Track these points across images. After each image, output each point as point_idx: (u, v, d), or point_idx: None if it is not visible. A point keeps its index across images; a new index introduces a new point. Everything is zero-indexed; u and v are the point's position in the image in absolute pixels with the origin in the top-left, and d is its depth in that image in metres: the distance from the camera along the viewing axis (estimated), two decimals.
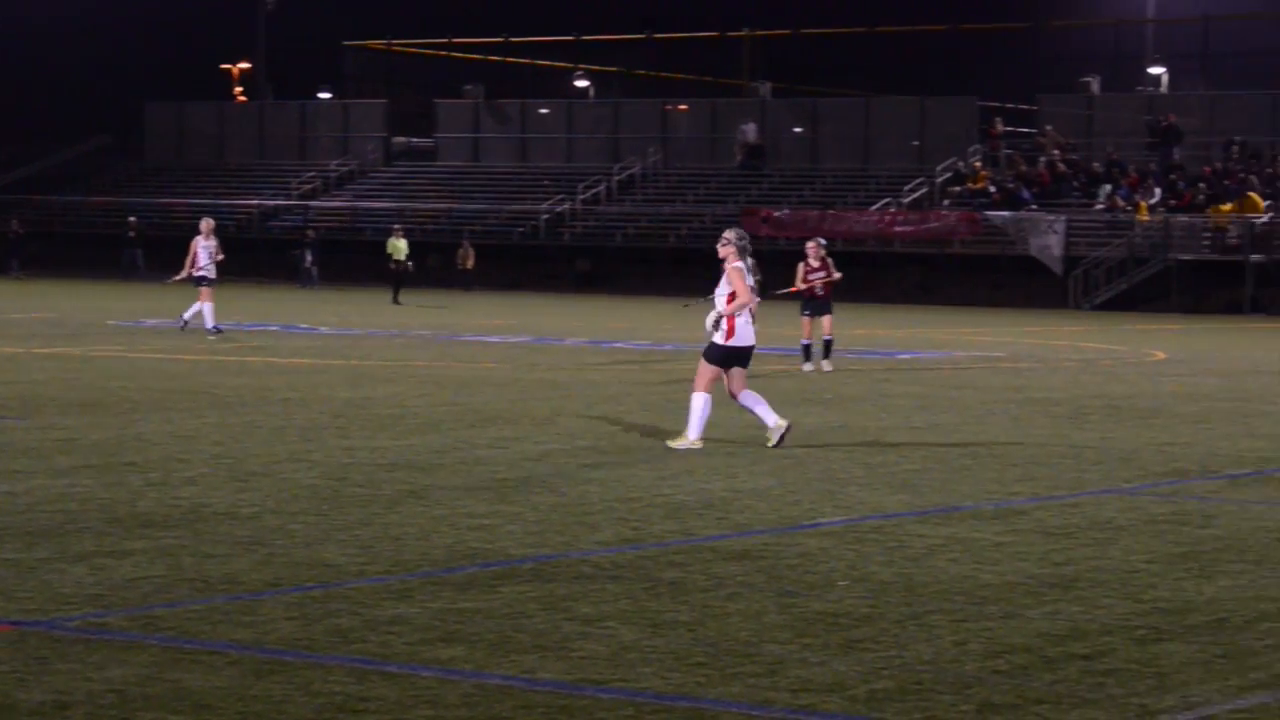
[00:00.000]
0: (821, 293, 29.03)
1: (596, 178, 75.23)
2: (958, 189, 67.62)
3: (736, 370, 18.42)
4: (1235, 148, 64.95)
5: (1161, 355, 36.47)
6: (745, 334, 18.24)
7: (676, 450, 18.25)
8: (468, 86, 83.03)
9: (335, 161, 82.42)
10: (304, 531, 13.08)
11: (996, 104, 73.69)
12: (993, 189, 66.09)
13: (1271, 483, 17.06)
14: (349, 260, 71.53)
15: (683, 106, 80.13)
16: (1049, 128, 69.61)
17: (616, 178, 75.33)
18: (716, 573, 11.89)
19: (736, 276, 17.97)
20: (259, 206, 79.07)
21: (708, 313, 18.45)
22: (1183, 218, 61.95)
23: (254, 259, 70.60)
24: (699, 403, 18.31)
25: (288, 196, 79.71)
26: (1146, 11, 78.53)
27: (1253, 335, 46.67)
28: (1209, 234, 61.62)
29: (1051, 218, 62.76)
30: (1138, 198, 63.50)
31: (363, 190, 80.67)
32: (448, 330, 40.97)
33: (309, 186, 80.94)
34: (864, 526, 13.97)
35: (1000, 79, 77.60)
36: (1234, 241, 60.43)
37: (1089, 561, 12.50)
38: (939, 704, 8.65)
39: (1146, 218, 62.34)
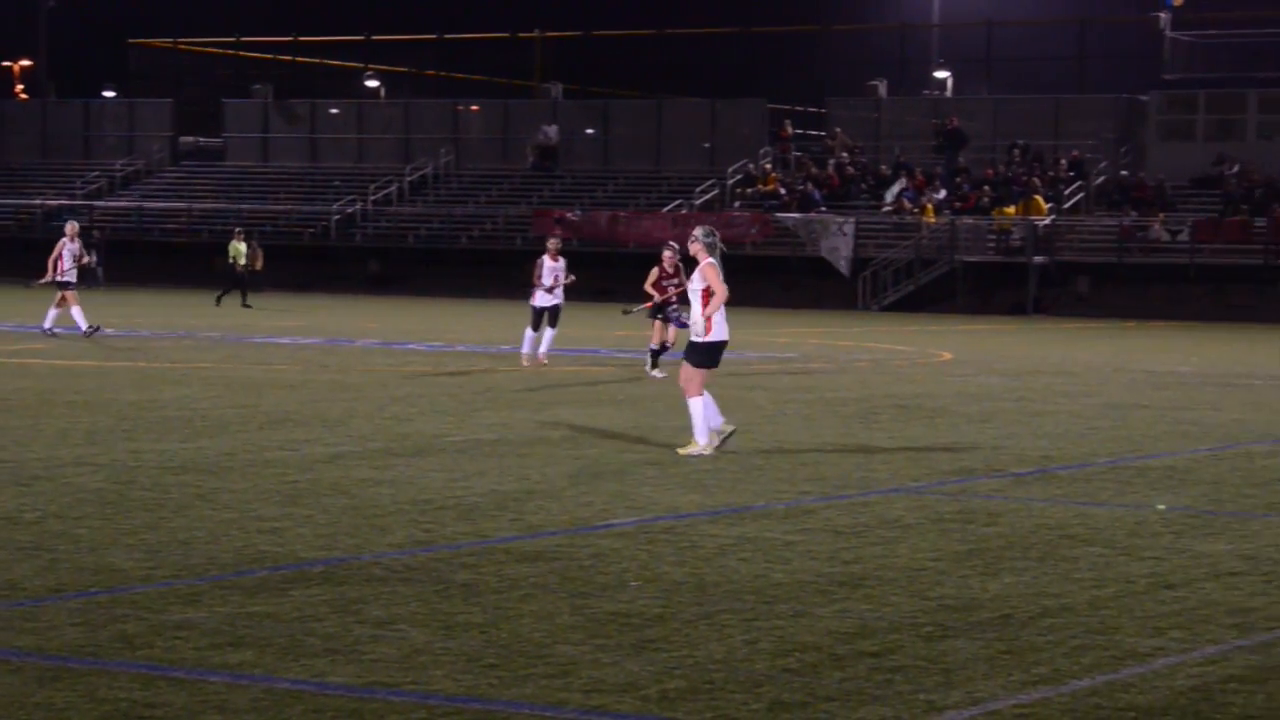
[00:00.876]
0: (674, 300, 28.70)
1: (388, 178, 74.80)
2: (748, 191, 68.23)
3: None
4: (1018, 151, 66.27)
5: (948, 356, 37.08)
6: (721, 330, 18.42)
7: (688, 457, 18.11)
8: (256, 86, 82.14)
9: (121, 161, 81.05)
10: (89, 536, 12.85)
11: (786, 107, 74.46)
12: (783, 191, 66.79)
13: (1054, 481, 17.41)
14: (136, 261, 70.41)
15: (475, 107, 79.96)
16: (838, 130, 70.49)
17: (408, 178, 74.96)
18: (509, 574, 11.87)
19: (712, 274, 18.12)
20: (42, 207, 77.48)
21: (638, 313, 18.74)
22: (968, 220, 63.05)
23: (38, 260, 69.07)
24: (697, 408, 18.37)
25: (72, 196, 78.19)
26: (931, 16, 79.83)
27: (1036, 335, 47.65)
28: (994, 236, 62.79)
29: (841, 219, 63.53)
30: (924, 200, 64.53)
31: (149, 190, 79.43)
32: (237, 331, 40.47)
33: (94, 186, 79.51)
34: (656, 527, 14.02)
35: (790, 82, 78.45)
36: (1017, 243, 61.63)
37: (877, 560, 12.67)
38: (730, 703, 8.72)
39: (933, 220, 63.37)
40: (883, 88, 72.68)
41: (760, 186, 67.93)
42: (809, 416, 23.13)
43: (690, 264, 19.79)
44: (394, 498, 15.12)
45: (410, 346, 36.31)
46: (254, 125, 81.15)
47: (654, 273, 28.86)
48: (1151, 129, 67.14)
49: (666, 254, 28.74)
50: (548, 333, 29.98)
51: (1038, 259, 60.37)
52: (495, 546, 12.98)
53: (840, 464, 18.22)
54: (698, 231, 18.62)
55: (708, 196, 68.58)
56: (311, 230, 72.33)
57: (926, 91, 74.98)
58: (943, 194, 64.91)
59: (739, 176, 69.33)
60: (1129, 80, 70.07)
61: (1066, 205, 63.70)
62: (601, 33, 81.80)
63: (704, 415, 18.40)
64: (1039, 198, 62.50)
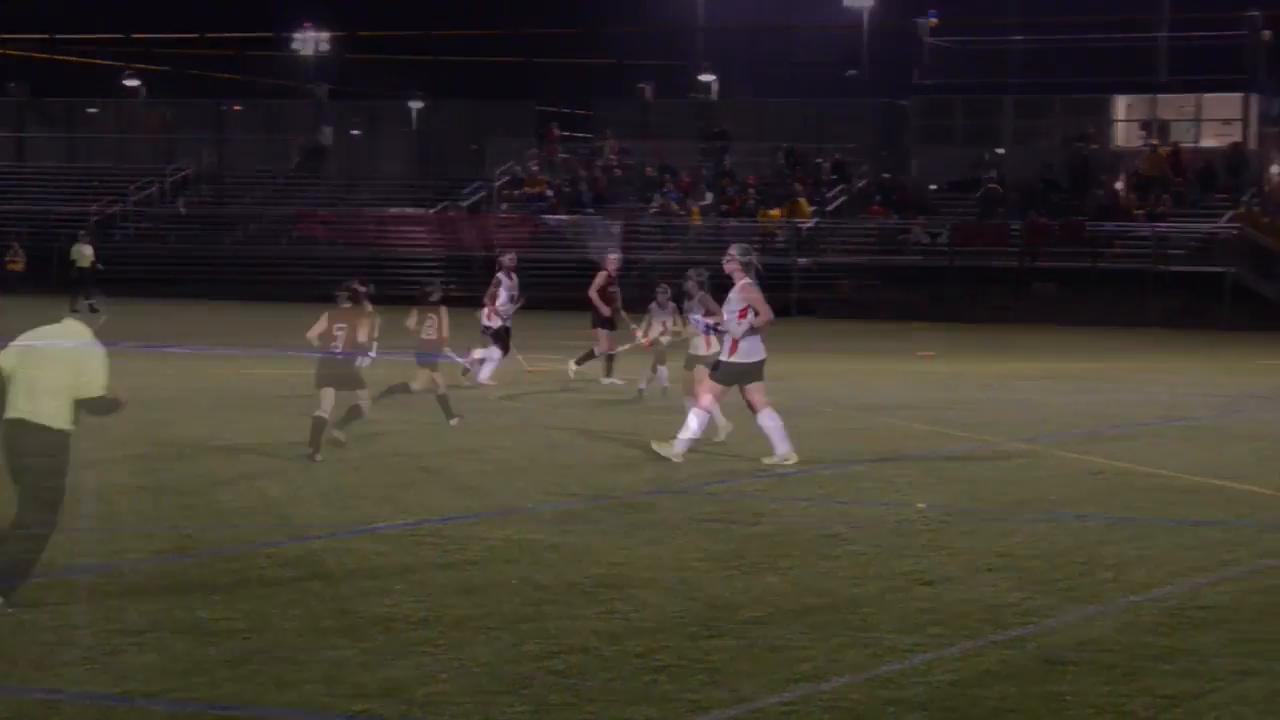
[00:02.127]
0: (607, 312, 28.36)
1: (149, 179, 73.50)
2: (516, 193, 68.18)
3: (753, 385, 18.37)
4: (783, 154, 67.10)
5: None
6: (755, 350, 18.17)
7: (660, 454, 18.33)
8: (11, 84, 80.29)
9: None
10: None
11: (554, 109, 74.50)
12: (550, 193, 66.86)
13: (815, 481, 17.64)
14: None
15: (237, 107, 78.90)
16: (607, 132, 70.73)
17: (170, 179, 73.72)
18: (271, 578, 11.75)
19: (754, 294, 17.94)
20: None
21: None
22: (733, 222, 63.64)
23: None
24: (696, 419, 18.38)
25: None
26: (696, 19, 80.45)
27: (799, 338, 48.21)
28: (759, 238, 63.47)
29: (608, 222, 63.78)
30: (690, 202, 65.01)
31: None
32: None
33: None
34: (422, 530, 13.97)
35: (558, 84, 78.56)
36: (781, 245, 62.37)
37: (643, 561, 12.75)
38: (496, 704, 8.72)
39: (699, 221, 63.88)
40: (649, 90, 73.08)
41: (527, 188, 67.94)
42: (579, 419, 23.18)
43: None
44: (155, 504, 14.88)
45: (172, 349, 35.70)
46: (9, 124, 79.28)
47: (600, 278, 28.21)
48: (912, 133, 68.38)
49: (611, 257, 28.98)
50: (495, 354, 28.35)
51: (801, 260, 61.12)
52: (258, 551, 12.84)
53: (605, 466, 18.28)
54: (734, 250, 18.38)
55: (475, 198, 68.40)
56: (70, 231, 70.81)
57: (693, 94, 75.57)
58: (709, 199, 65.49)
59: (506, 178, 69.24)
60: (892, 85, 71.31)
61: (830, 208, 64.62)
62: (369, 33, 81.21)
63: (696, 430, 18.35)
64: (803, 201, 63.31)
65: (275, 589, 11.43)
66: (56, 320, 11.34)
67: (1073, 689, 9.07)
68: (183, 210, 66.47)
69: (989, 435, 22.32)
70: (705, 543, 13.58)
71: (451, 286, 59.99)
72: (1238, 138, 66.57)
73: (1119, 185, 63.64)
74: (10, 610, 10.40)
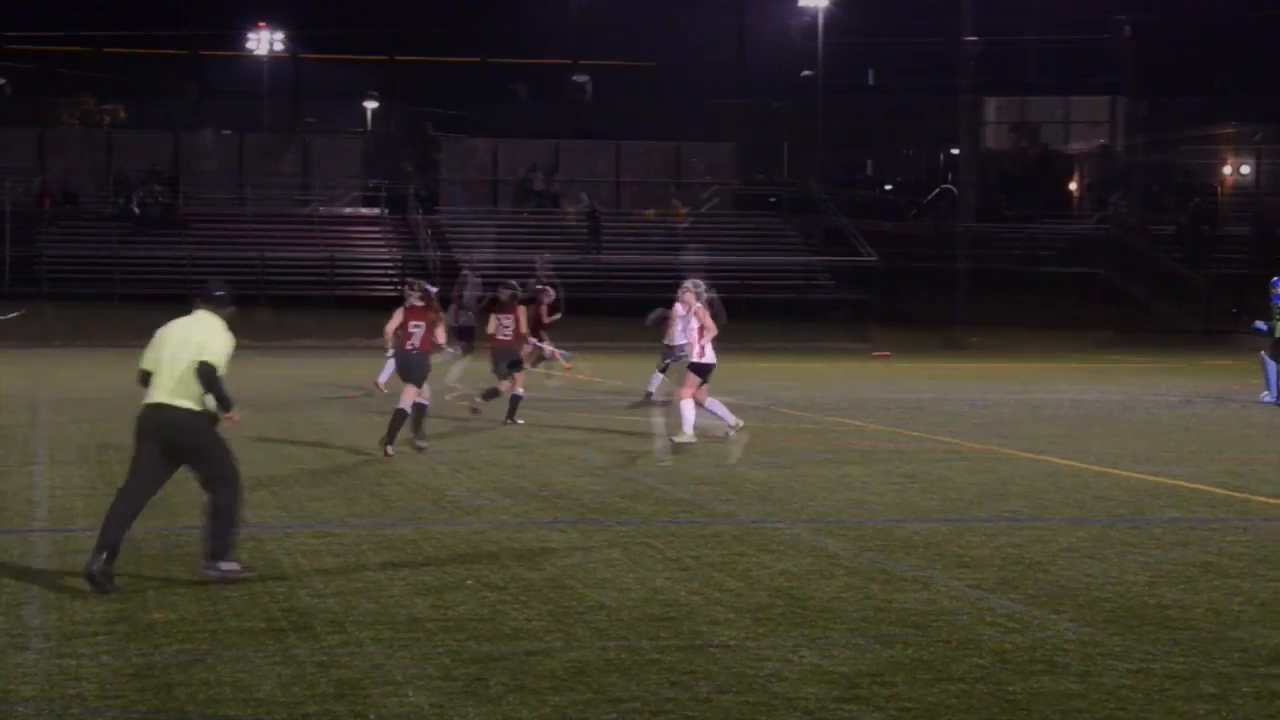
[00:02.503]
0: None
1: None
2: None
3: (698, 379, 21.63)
4: (656, 155, 67.47)
5: None
6: (710, 354, 21.78)
7: (682, 445, 20.62)
8: None
9: None
10: None
11: (438, 110, 74.00)
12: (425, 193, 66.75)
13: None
14: None
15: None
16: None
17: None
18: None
19: (704, 314, 21.70)
20: None
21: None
22: (614, 222, 63.67)
23: None
24: (688, 409, 21.37)
25: None
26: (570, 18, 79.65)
27: (739, 338, 48.24)
28: (634, 237, 63.92)
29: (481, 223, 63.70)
30: (566, 203, 65.08)
31: None
32: None
33: None
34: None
35: (430, 85, 77.74)
36: (660, 244, 62.68)
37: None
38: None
39: (572, 220, 64.28)
40: (523, 90, 72.78)
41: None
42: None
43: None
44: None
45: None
46: None
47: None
48: (787, 134, 69.03)
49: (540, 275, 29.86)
50: (460, 365, 28.65)
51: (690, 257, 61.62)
52: None
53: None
54: (691, 284, 22.20)
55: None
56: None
57: (568, 96, 75.28)
58: (585, 200, 65.64)
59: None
60: (779, 86, 71.01)
61: (703, 209, 65.18)
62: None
63: (691, 415, 21.33)
64: (676, 202, 64.17)
65: (229, 589, 11.38)
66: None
67: (1025, 689, 9.09)
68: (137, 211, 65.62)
69: (944, 435, 22.40)
70: (661, 543, 13.58)
71: (406, 286, 59.78)
72: (1105, 140, 67.08)
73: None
74: (251, 573, 11.79)
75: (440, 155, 67.16)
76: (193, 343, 11.81)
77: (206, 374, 11.70)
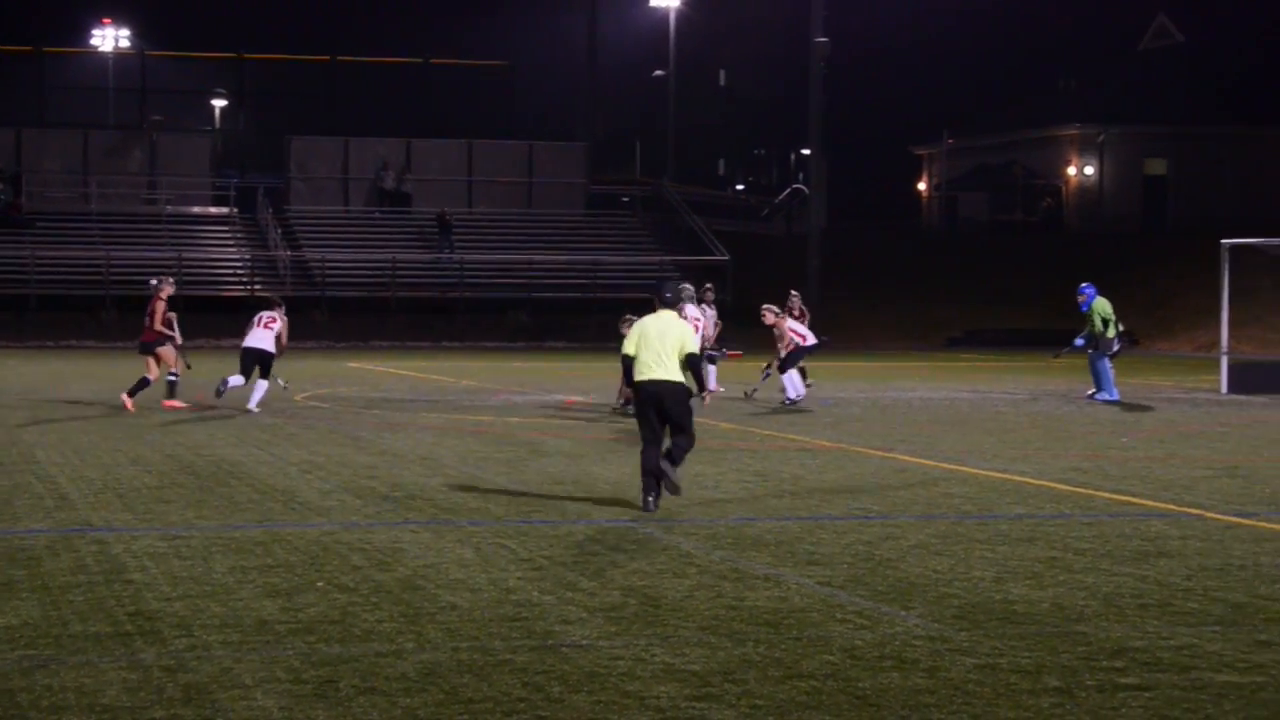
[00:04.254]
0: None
1: None
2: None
3: None
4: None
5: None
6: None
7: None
8: None
9: None
10: None
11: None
12: None
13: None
14: None
15: None
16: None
17: None
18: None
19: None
20: None
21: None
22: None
23: None
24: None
25: None
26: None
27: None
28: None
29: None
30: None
31: None
32: None
33: None
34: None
35: None
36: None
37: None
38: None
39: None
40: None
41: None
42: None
43: None
44: None
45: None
46: None
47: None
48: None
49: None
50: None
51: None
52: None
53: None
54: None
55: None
56: None
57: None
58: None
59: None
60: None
61: None
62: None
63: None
64: None
65: (73, 592, 11.22)
66: None
67: (875, 685, 9.17)
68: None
69: (795, 433, 22.53)
70: (514, 543, 13.55)
71: (257, 288, 59.34)
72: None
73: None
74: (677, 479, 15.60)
75: (290, 154, 66.56)
76: None
77: None
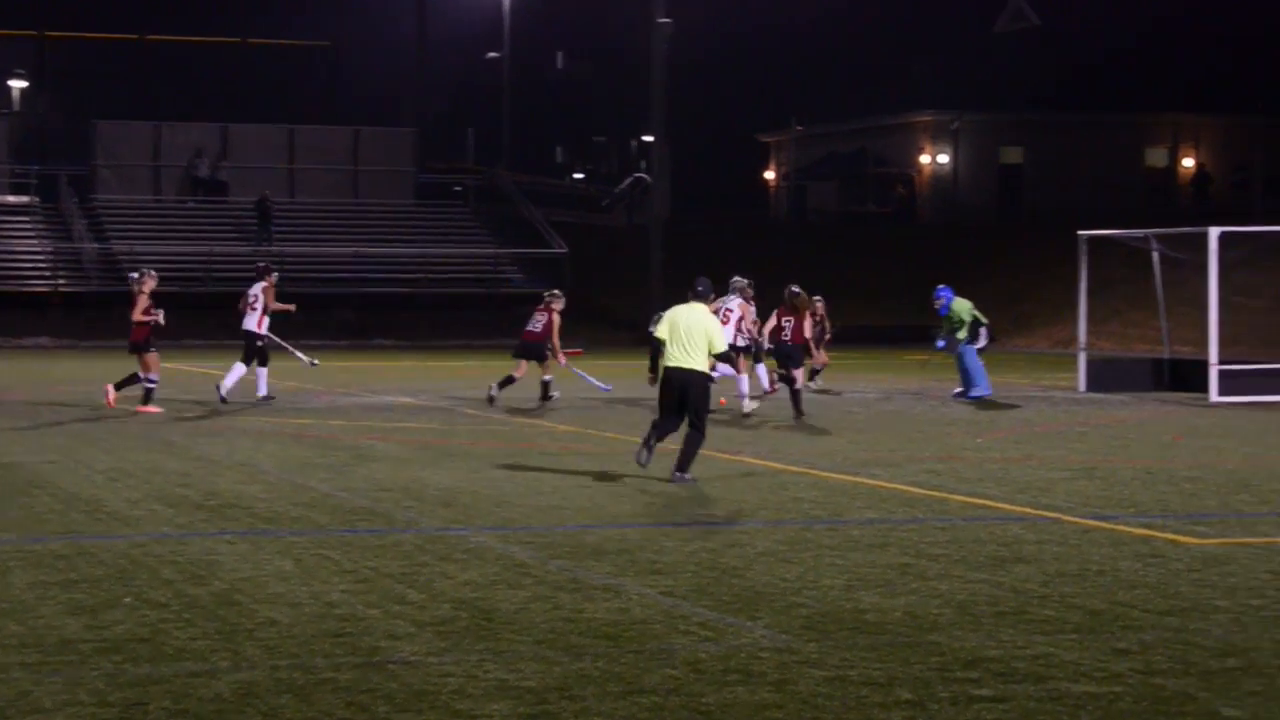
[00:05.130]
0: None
1: None
2: None
3: None
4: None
5: None
6: None
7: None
8: None
9: None
10: None
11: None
12: None
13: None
14: None
15: None
16: None
17: None
18: None
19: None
20: None
21: None
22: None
23: None
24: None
25: None
26: None
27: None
28: None
29: None
30: None
31: None
32: None
33: None
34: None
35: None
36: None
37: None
38: None
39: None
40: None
41: None
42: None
43: None
44: None
45: None
46: None
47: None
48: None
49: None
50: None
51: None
52: None
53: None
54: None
55: None
56: None
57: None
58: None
59: None
60: None
61: None
62: None
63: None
64: None
65: None
66: None
67: (719, 700, 9.21)
68: None
69: (636, 435, 22.57)
70: (337, 554, 13.47)
71: (61, 283, 58.49)
72: (802, 127, 68.39)
73: None
74: (691, 478, 18.11)
75: (97, 139, 65.64)
76: None
77: None
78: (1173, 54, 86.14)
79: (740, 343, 27.74)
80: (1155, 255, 36.03)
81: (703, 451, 18.54)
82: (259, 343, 28.70)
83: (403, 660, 10.01)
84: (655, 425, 18.37)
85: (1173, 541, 14.53)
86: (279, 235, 62.37)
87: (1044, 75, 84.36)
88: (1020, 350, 55.79)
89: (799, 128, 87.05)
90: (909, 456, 21.23)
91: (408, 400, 30.27)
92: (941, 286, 31.39)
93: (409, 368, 42.68)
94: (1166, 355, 36.11)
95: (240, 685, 9.39)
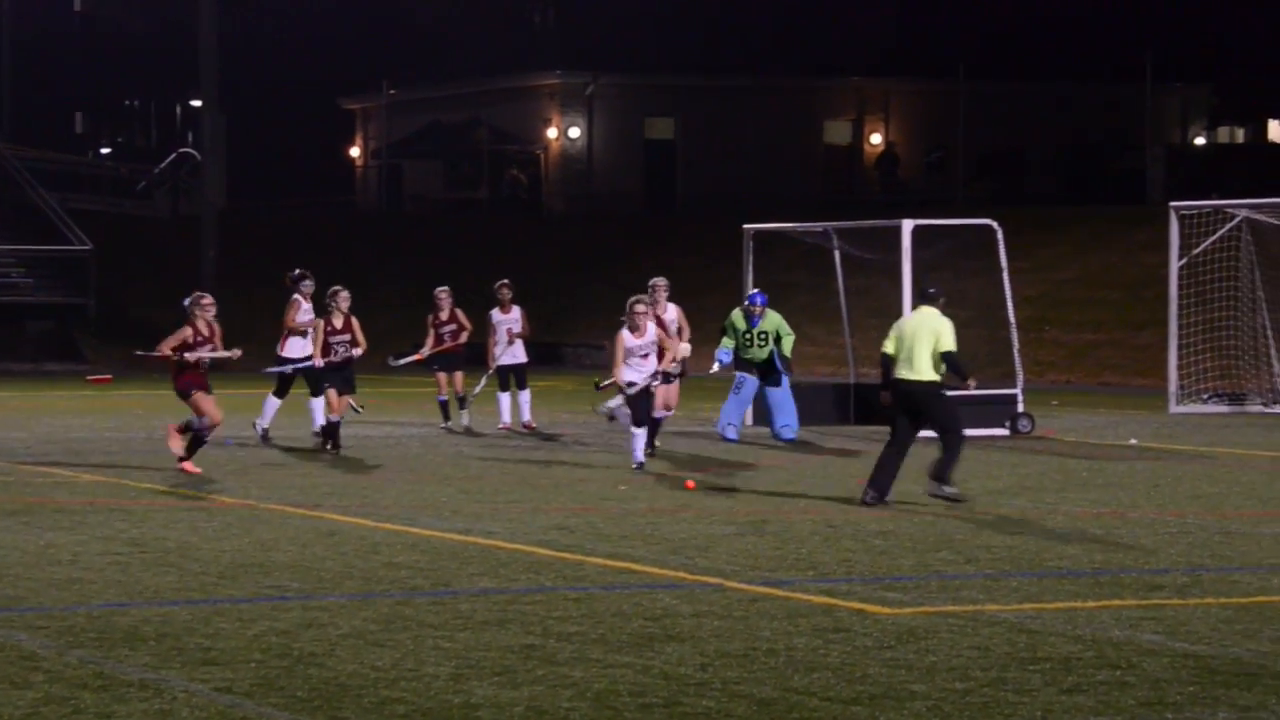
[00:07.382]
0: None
1: None
2: None
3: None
4: None
5: None
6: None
7: None
8: None
9: None
10: None
11: None
12: None
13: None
14: None
15: None
16: None
17: None
18: None
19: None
20: None
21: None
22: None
23: None
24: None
25: None
26: None
27: None
28: None
29: None
30: None
31: None
32: None
33: None
34: None
35: None
36: None
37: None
38: None
39: None
40: None
41: None
42: None
43: None
44: None
45: None
46: None
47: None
48: None
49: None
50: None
51: None
52: None
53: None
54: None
55: None
56: None
57: None
58: None
59: None
60: None
61: None
62: None
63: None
64: None
65: None
66: None
67: None
68: None
69: (188, 488, 22.29)
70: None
71: None
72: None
73: None
74: (952, 490, 21.45)
75: None
76: None
77: None
78: (857, 6, 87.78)
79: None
80: (836, 254, 36.66)
81: (270, 505, 18.36)
82: None
83: None
84: (879, 461, 21.66)
85: (860, 611, 14.81)
86: None
87: (701, 31, 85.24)
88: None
89: (392, 91, 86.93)
90: (534, 508, 21.33)
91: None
92: (755, 292, 32.17)
93: None
94: (852, 380, 36.68)
95: None
